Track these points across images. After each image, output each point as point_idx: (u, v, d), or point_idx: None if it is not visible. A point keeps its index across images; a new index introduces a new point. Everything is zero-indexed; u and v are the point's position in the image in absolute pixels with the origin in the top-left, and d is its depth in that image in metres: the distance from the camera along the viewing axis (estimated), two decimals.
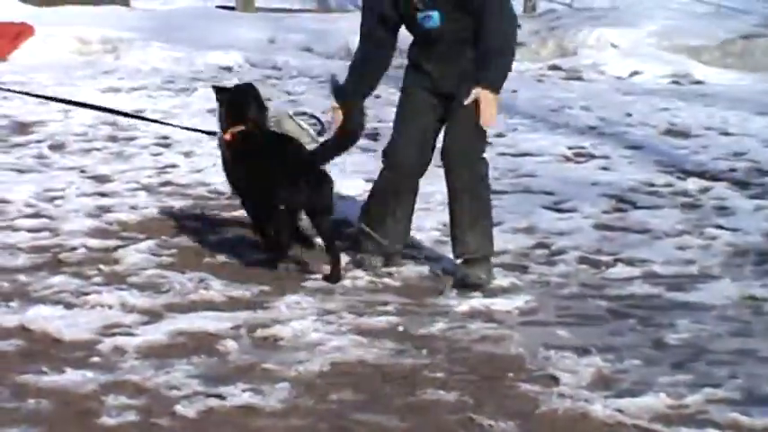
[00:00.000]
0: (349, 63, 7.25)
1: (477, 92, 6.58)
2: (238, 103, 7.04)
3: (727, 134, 11.03)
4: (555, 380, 5.32)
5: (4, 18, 14.73)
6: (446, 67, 6.84)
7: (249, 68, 13.80)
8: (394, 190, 7.07)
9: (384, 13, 6.91)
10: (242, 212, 7.93)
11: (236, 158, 6.90)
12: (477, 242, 6.83)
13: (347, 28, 15.31)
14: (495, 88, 6.64)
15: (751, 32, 14.75)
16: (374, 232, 7.03)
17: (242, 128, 6.88)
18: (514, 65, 6.84)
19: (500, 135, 10.44)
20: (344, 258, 7.01)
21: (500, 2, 6.69)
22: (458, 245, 6.84)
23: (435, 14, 6.73)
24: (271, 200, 6.66)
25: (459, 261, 6.87)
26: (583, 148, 10.11)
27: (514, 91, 12.36)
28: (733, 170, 9.59)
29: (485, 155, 6.91)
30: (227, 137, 6.90)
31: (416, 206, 7.89)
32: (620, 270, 6.98)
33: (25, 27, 14.31)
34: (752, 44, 14.22)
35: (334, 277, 6.71)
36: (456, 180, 6.85)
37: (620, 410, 4.99)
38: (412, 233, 7.41)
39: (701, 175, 9.42)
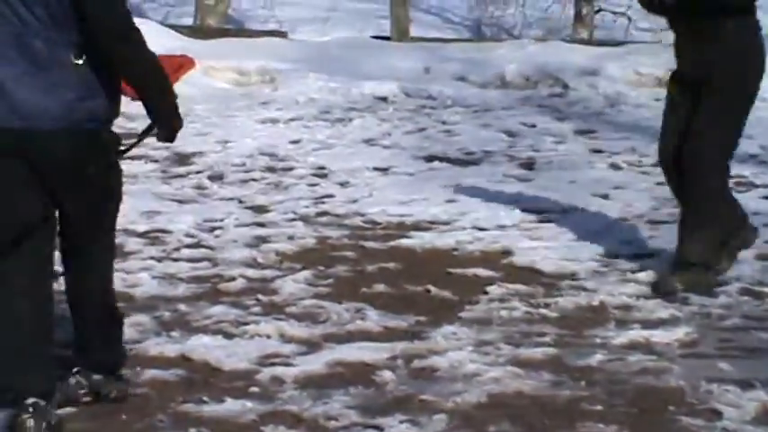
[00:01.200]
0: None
1: None
2: None
3: None
4: (718, 414, 5.22)
5: (166, 51, 15.01)
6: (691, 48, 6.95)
7: (404, 98, 13.86)
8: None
9: None
10: (399, 242, 8.01)
11: None
12: (688, 248, 6.98)
13: (502, 56, 15.35)
14: None
15: None
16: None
17: None
18: None
19: (656, 165, 10.33)
20: (499, 290, 7.01)
21: None
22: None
23: None
24: None
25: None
26: (744, 177, 9.92)
27: None
28: None
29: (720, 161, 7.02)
30: None
31: (571, 237, 7.87)
32: None
33: (186, 59, 14.58)
34: None
35: None
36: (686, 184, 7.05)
37: None
38: (568, 263, 7.41)
39: None
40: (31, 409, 4.84)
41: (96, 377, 5.25)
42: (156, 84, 5.07)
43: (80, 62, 4.83)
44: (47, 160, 4.89)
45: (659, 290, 6.96)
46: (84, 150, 4.92)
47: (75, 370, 5.24)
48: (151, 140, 11.19)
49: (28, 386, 4.89)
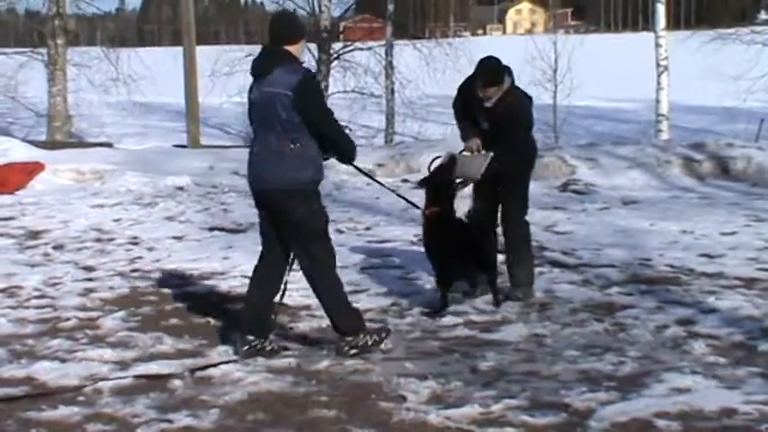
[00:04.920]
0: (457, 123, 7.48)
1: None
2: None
3: None
4: (404, 398, 5.27)
5: (22, 158, 14.49)
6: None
7: (195, 187, 13.61)
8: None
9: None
10: (189, 288, 7.82)
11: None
12: (519, 276, 7.32)
13: None
14: None
15: None
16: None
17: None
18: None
19: (368, 228, 10.42)
20: None
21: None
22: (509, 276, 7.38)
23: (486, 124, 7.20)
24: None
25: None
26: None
27: (377, 198, 12.34)
28: None
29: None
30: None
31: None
32: (447, 319, 6.83)
33: (38, 165, 14.02)
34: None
35: None
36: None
37: (447, 418, 4.97)
38: (305, 299, 7.36)
39: None
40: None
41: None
42: (344, 150, 6.06)
43: (293, 147, 5.74)
44: (273, 208, 5.87)
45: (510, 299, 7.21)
46: (293, 201, 5.78)
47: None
48: (11, 222, 10.68)
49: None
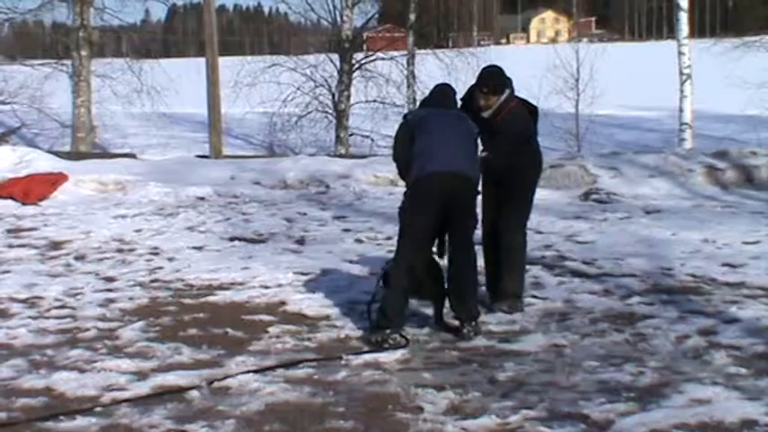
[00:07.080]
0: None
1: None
2: None
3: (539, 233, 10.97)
4: (421, 409, 5.23)
5: (46, 169, 14.55)
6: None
7: (217, 197, 13.64)
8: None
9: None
10: (208, 299, 7.82)
11: None
12: (508, 285, 7.26)
13: (285, 167, 15.28)
14: None
15: (555, 163, 14.76)
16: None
17: None
18: None
19: (388, 238, 10.37)
20: (276, 329, 6.90)
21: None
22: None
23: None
24: None
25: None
26: None
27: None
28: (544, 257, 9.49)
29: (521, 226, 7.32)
30: None
31: (327, 290, 7.81)
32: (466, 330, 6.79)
33: (61, 175, 14.08)
34: (556, 171, 14.23)
35: None
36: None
37: (465, 429, 4.93)
38: (324, 308, 7.34)
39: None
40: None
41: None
42: None
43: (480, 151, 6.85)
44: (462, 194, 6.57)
45: (494, 311, 7.16)
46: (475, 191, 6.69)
47: None
48: (33, 232, 10.73)
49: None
